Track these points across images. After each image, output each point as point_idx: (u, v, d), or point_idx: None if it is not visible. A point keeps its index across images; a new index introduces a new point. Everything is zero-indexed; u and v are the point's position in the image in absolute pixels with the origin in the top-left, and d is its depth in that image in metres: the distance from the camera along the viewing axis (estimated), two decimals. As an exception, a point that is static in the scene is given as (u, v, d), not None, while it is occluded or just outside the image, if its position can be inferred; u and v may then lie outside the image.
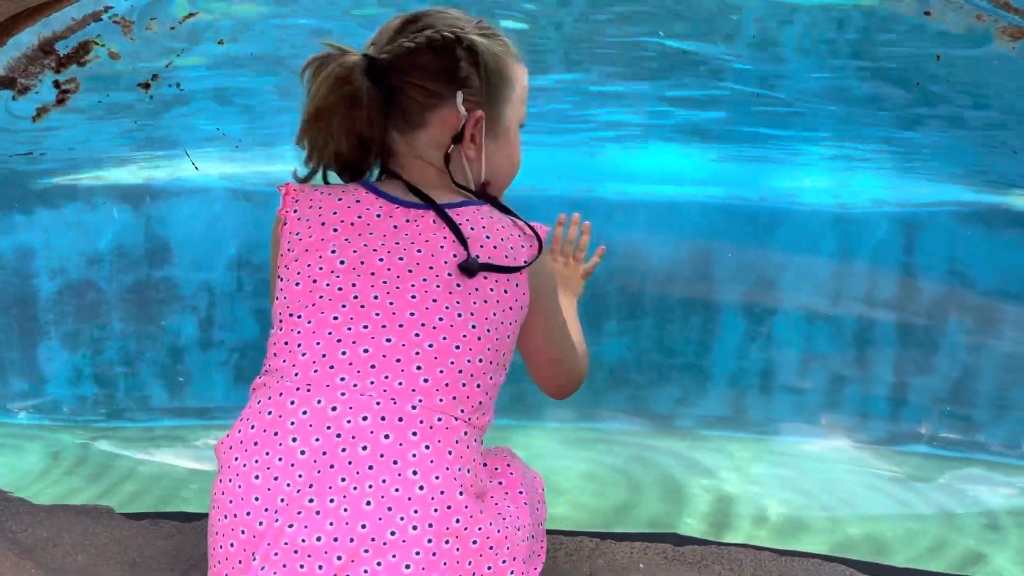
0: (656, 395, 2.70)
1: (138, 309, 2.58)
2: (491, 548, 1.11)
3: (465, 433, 1.11)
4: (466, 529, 1.08)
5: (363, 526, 1.04)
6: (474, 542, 1.09)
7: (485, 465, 1.23)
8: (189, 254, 2.59)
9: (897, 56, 2.18)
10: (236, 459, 1.10)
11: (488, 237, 1.19)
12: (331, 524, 1.04)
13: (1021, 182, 2.47)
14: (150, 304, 2.58)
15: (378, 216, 1.19)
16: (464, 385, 1.12)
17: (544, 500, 1.42)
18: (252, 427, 1.12)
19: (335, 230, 1.18)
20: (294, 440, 1.08)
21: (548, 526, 1.98)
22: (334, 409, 1.08)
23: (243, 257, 2.61)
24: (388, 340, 1.11)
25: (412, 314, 1.12)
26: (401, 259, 1.15)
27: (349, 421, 1.07)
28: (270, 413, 1.11)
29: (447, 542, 1.06)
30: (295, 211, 1.21)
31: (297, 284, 1.16)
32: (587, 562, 1.80)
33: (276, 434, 1.09)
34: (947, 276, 2.57)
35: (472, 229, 1.19)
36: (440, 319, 1.12)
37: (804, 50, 2.27)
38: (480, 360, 1.14)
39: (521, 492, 1.25)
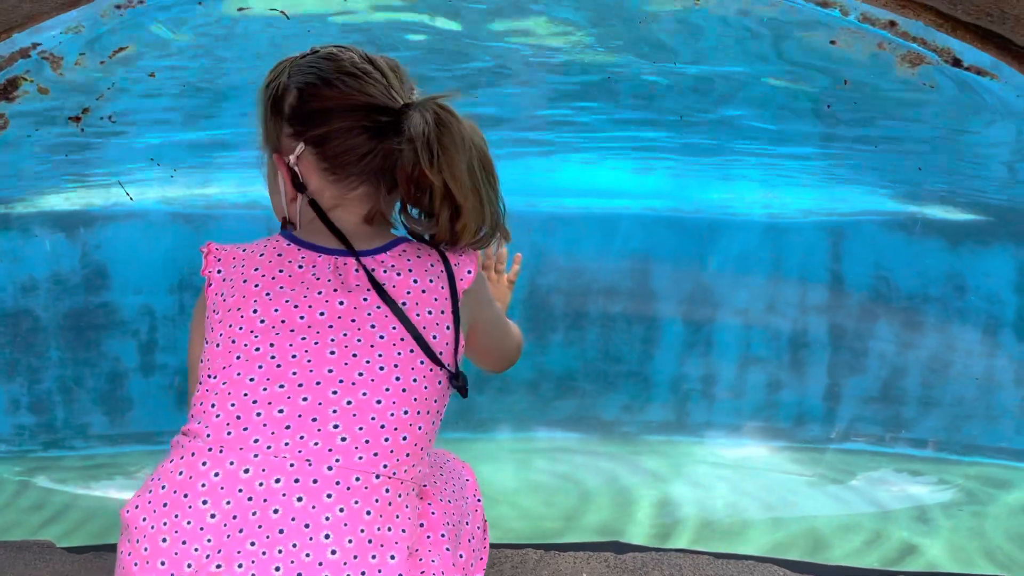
0: (601, 403, 2.75)
1: (77, 336, 2.53)
2: None
3: (387, 490, 1.07)
4: None
5: None
6: None
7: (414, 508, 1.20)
8: (129, 279, 2.56)
9: (811, 80, 2.29)
10: (144, 520, 1.06)
11: (416, 282, 1.16)
12: None
13: (933, 193, 2.59)
14: (90, 330, 2.54)
15: (300, 267, 1.16)
16: (387, 440, 1.08)
17: (478, 500, 1.41)
18: (163, 488, 1.07)
19: (256, 286, 1.14)
20: (204, 503, 1.03)
21: (495, 538, 2.01)
22: (246, 471, 1.04)
23: (184, 279, 2.58)
24: (304, 399, 1.07)
25: (330, 371, 1.08)
26: (322, 314, 1.12)
27: (261, 484, 1.03)
28: (181, 474, 1.06)
29: None
30: (219, 271, 1.18)
31: (218, 346, 1.13)
32: (532, 574, 1.83)
33: (186, 496, 1.04)
34: (872, 281, 2.68)
35: (399, 275, 1.16)
36: (360, 374, 1.09)
37: (731, 73, 2.36)
38: (406, 412, 1.10)
39: (443, 535, 1.20)
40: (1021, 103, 2.04)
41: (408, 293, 1.15)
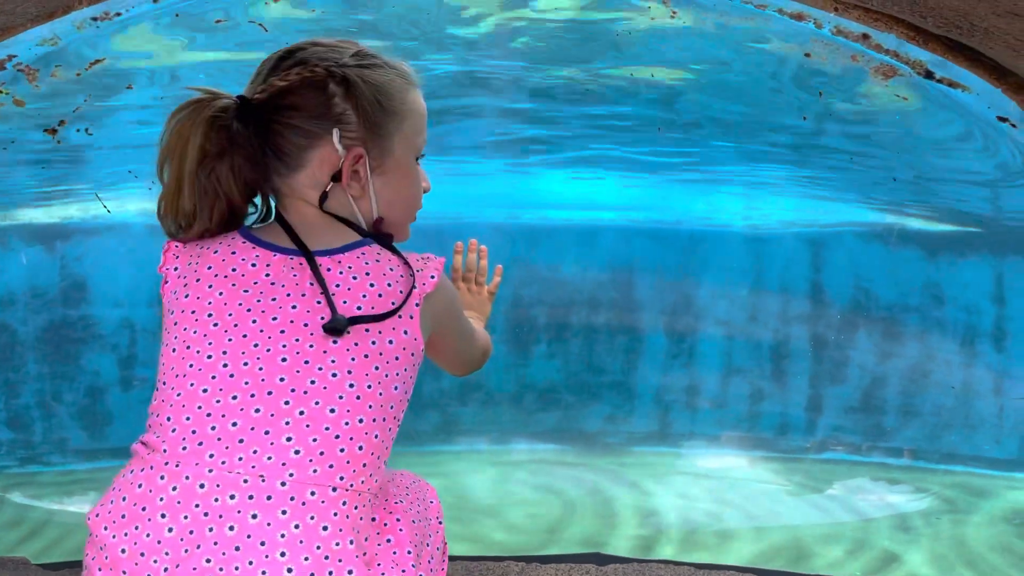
0: (584, 415, 2.75)
1: (56, 350, 2.51)
2: None
3: (344, 503, 1.06)
4: None
5: None
6: None
7: (374, 520, 1.18)
8: (108, 292, 2.54)
9: (787, 92, 2.32)
10: (105, 529, 1.07)
11: (372, 285, 1.13)
12: None
13: (909, 204, 2.62)
14: (69, 344, 2.52)
15: (254, 266, 1.14)
16: (343, 450, 1.06)
17: (440, 522, 1.40)
18: (124, 499, 1.07)
19: (210, 286, 1.13)
20: (163, 516, 1.04)
21: (478, 552, 2.01)
22: (202, 487, 1.03)
23: (164, 292, 2.56)
24: (257, 411, 1.06)
25: (282, 380, 1.07)
26: (275, 319, 1.10)
27: (217, 500, 1.03)
28: (140, 486, 1.07)
29: None
30: (175, 268, 1.18)
31: (174, 350, 1.12)
32: (513, 586, 1.83)
33: (144, 509, 1.05)
34: (852, 291, 2.70)
35: (355, 278, 1.13)
36: (312, 382, 1.07)
37: (709, 85, 2.39)
38: (361, 420, 1.08)
39: (409, 552, 1.18)
40: (992, 114, 2.08)
41: (364, 296, 1.13)
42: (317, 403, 1.06)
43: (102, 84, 2.05)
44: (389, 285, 1.15)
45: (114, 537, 1.05)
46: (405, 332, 1.14)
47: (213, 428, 1.06)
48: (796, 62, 2.08)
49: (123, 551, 1.04)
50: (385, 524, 1.19)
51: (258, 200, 1.26)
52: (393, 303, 1.13)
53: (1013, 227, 2.59)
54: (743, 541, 2.19)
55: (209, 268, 1.15)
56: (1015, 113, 1.95)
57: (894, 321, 2.66)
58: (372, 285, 1.14)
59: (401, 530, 1.19)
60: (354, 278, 1.14)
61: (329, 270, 1.14)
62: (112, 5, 1.84)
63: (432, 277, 1.19)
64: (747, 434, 2.68)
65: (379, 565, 1.13)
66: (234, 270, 1.14)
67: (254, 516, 1.02)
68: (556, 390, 2.76)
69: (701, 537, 2.20)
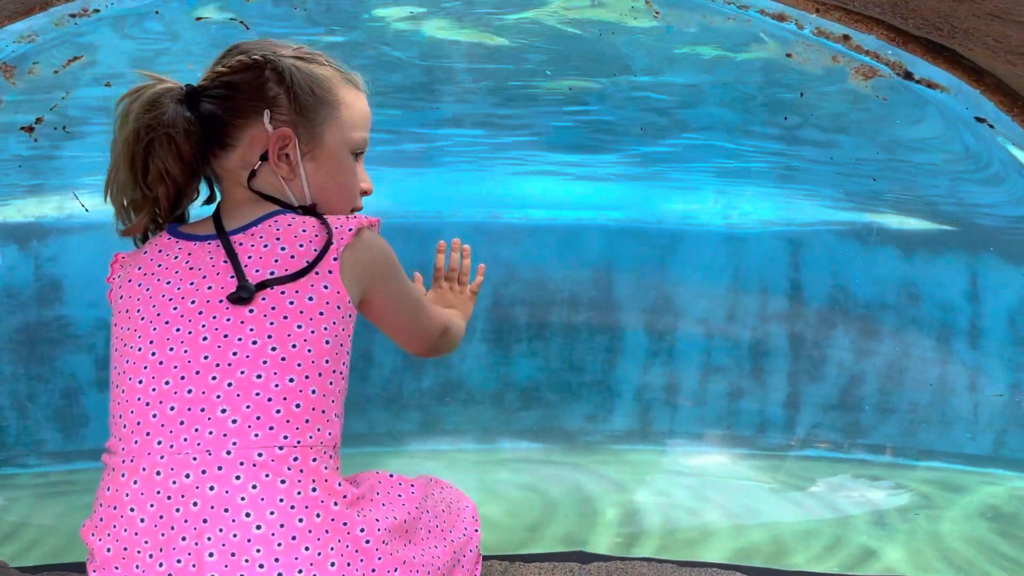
0: (565, 413, 2.75)
1: (30, 351, 2.48)
2: (357, 555, 1.11)
3: (296, 459, 1.10)
4: (319, 554, 1.07)
5: None
6: (332, 564, 1.08)
7: (391, 475, 1.27)
8: (84, 292, 2.51)
9: (768, 92, 2.34)
10: (92, 535, 1.13)
11: (283, 249, 1.17)
12: None
13: (887, 203, 2.65)
14: (44, 345, 2.48)
15: (176, 258, 1.20)
16: (279, 411, 1.10)
17: (476, 530, 1.44)
18: (100, 505, 1.14)
19: (139, 285, 1.19)
20: (132, 510, 1.09)
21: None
22: (159, 474, 1.09)
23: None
24: (189, 391, 1.10)
25: (206, 357, 1.11)
26: (193, 302, 1.15)
27: (175, 482, 1.08)
28: (109, 489, 1.13)
29: (300, 572, 1.06)
30: (118, 276, 1.25)
31: (116, 350, 1.19)
32: (497, 585, 1.83)
33: (115, 508, 1.11)
34: (830, 289, 2.73)
35: (266, 246, 1.17)
36: (235, 354, 1.11)
37: (691, 85, 2.41)
38: (291, 380, 1.12)
39: (417, 507, 1.27)
40: (970, 115, 2.11)
41: (276, 261, 1.16)
42: (243, 372, 1.11)
43: (80, 81, 2.03)
44: (301, 246, 1.18)
45: (100, 541, 1.11)
46: (325, 287, 1.16)
47: (155, 416, 1.11)
48: (777, 62, 2.10)
49: (108, 550, 1.10)
50: (400, 483, 1.28)
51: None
52: (307, 261, 1.16)
53: (988, 226, 2.63)
54: (723, 538, 2.20)
55: (139, 269, 1.21)
56: (992, 114, 1.98)
57: (871, 319, 2.69)
58: (283, 249, 1.17)
59: (413, 491, 1.27)
60: (265, 246, 1.17)
61: (241, 244, 1.18)
62: (91, 1, 1.82)
63: (350, 230, 1.20)
64: (728, 432, 2.70)
65: (363, 498, 1.18)
66: (159, 266, 1.20)
67: (211, 488, 1.07)
68: (537, 389, 2.77)
69: (681, 535, 2.21)
